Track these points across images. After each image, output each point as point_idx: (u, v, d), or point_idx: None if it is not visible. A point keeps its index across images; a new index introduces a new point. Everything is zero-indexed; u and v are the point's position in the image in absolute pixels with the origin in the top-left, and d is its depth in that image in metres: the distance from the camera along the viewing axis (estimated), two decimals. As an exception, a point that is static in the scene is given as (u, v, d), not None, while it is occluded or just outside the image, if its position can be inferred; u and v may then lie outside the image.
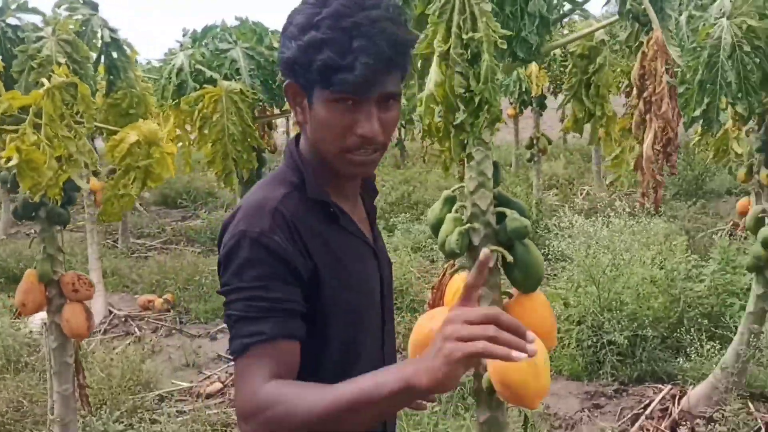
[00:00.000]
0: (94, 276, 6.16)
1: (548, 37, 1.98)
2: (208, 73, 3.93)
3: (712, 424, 3.69)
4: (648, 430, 3.85)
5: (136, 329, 5.97)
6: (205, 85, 3.83)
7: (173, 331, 5.97)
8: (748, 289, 4.55)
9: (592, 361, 4.64)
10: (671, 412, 3.92)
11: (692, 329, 4.54)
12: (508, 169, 11.60)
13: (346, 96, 1.23)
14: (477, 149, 2.03)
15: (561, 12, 1.98)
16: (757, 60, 2.62)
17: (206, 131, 3.75)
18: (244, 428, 1.18)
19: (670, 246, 5.64)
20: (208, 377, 4.99)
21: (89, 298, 3.33)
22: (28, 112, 2.58)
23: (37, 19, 3.01)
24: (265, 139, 4.48)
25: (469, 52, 1.71)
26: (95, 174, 5.71)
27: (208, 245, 8.54)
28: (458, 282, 2.30)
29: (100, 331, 5.91)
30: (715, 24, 2.83)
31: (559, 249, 5.88)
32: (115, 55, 3.13)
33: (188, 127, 3.92)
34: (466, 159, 1.90)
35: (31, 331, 5.39)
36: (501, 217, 2.14)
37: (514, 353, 0.99)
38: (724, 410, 3.58)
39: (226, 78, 3.93)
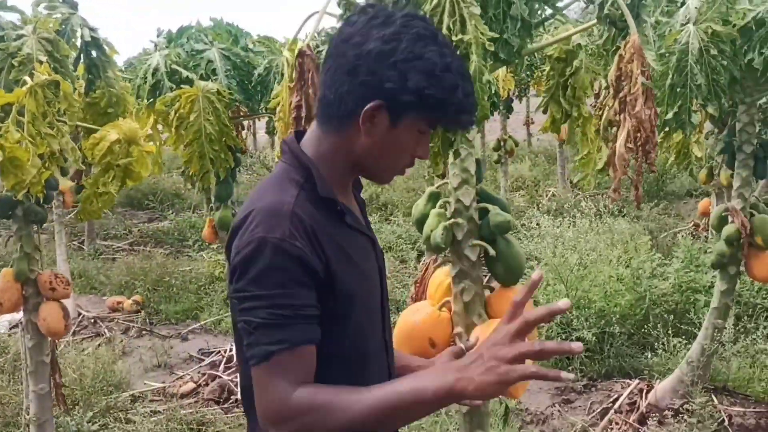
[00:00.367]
0: (63, 277, 6.09)
1: (529, 39, 2.05)
2: (185, 73, 3.94)
3: (679, 416, 3.81)
4: (617, 423, 3.95)
5: (106, 330, 5.92)
6: (181, 86, 3.85)
7: (143, 332, 5.94)
8: (711, 286, 4.71)
9: (561, 357, 4.74)
10: (639, 405, 4.03)
11: (658, 325, 4.67)
12: (475, 171, 11.68)
13: (433, 127, 1.36)
14: (461, 147, 2.10)
15: (543, 16, 2.05)
16: (724, 62, 2.73)
17: (183, 131, 3.76)
18: None
19: (635, 245, 5.79)
20: (181, 377, 4.99)
21: (66, 297, 3.32)
22: (11, 110, 2.59)
23: (15, 17, 3.01)
24: (240, 139, 4.51)
25: (458, 53, 1.77)
26: (64, 174, 5.64)
27: (176, 246, 8.50)
28: (440, 276, 2.36)
29: (69, 332, 5.84)
30: (681, 30, 2.94)
31: (527, 249, 5.98)
32: (94, 54, 3.13)
33: (159, 127, 3.93)
34: (452, 155, 1.96)
35: (-2, 333, 5.33)
36: (483, 213, 2.22)
37: (563, 374, 1.11)
38: (693, 403, 3.69)
39: (202, 78, 3.95)
